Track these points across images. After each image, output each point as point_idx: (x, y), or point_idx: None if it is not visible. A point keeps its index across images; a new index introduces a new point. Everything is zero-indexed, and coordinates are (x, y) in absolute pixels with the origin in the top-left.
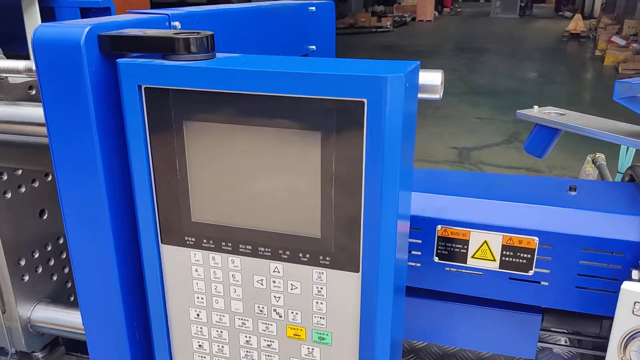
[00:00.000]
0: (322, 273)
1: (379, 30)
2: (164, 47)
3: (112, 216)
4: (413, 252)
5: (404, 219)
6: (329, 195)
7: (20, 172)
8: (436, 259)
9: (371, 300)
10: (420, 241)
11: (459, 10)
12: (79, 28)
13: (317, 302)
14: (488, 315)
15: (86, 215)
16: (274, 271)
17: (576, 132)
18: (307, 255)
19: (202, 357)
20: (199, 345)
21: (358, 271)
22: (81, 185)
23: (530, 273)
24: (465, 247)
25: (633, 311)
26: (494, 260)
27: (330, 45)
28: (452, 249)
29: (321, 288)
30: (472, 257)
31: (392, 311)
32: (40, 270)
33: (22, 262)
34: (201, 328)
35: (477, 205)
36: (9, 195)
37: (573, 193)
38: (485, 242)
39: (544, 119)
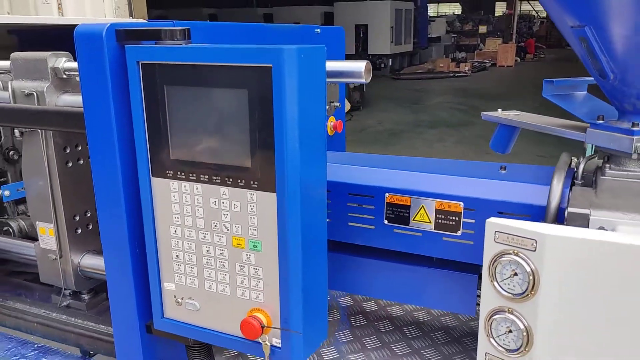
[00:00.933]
0: (253, 194)
1: (456, 75)
2: (155, 36)
3: (121, 158)
4: (367, 217)
5: (309, 153)
6: (254, 136)
7: (80, 147)
8: (386, 222)
9: (283, 214)
10: (373, 207)
11: (542, 56)
12: (103, 25)
13: (250, 217)
14: (432, 274)
15: (104, 158)
16: (222, 194)
17: (530, 128)
18: (243, 181)
19: (178, 265)
20: (176, 256)
21: (274, 192)
22: (102, 139)
23: (459, 233)
24: (407, 211)
25: (494, 239)
26: (430, 222)
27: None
28: (397, 213)
29: (253, 206)
30: (413, 219)
31: (302, 224)
32: (90, 226)
33: (77, 219)
34: (177, 242)
35: (417, 178)
36: (70, 165)
37: (503, 171)
38: (422, 206)
39: (504, 118)
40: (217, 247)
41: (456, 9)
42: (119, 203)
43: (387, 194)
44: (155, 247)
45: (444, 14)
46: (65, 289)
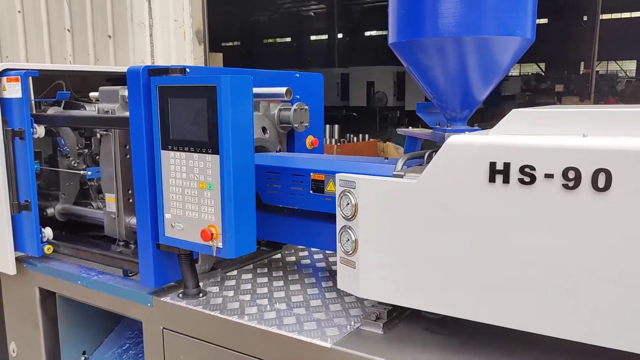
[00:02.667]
0: (208, 156)
1: None
2: (165, 72)
3: (146, 140)
4: (300, 189)
5: (244, 149)
6: (210, 124)
7: (128, 147)
8: (311, 192)
9: (222, 170)
10: (303, 182)
11: None
12: (142, 67)
13: (207, 169)
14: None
15: (137, 139)
16: (194, 158)
17: (422, 137)
18: (204, 149)
19: (172, 202)
20: (171, 197)
21: (218, 154)
22: (136, 128)
23: None
24: (323, 184)
25: (339, 185)
26: (335, 190)
27: (319, 99)
28: (317, 186)
29: (209, 163)
30: (326, 189)
31: (233, 173)
32: None
33: (129, 192)
34: (172, 188)
35: (327, 163)
36: (127, 156)
37: (386, 161)
38: (331, 180)
39: (410, 132)
40: (191, 189)
41: (538, 69)
42: (143, 168)
43: (311, 174)
44: (162, 192)
45: (527, 73)
46: (119, 240)
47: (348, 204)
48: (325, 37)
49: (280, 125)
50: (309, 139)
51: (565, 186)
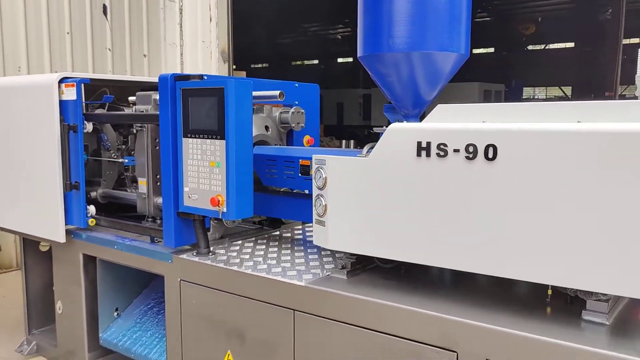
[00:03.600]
0: (217, 142)
1: None
2: (187, 78)
3: (171, 131)
4: (292, 172)
5: (244, 137)
6: (219, 116)
7: (157, 140)
8: (300, 175)
9: (227, 152)
10: (293, 167)
11: None
12: (170, 74)
13: (217, 152)
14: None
15: (165, 130)
16: (207, 143)
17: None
18: (213, 135)
19: (189, 178)
20: (189, 174)
21: (224, 139)
22: (164, 121)
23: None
24: (309, 168)
25: (315, 163)
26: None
27: (315, 105)
28: (304, 170)
29: (217, 147)
30: (311, 172)
31: (236, 155)
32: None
33: (157, 176)
34: (189, 167)
35: (311, 152)
36: (157, 148)
37: (355, 150)
38: (310, 166)
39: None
40: (204, 167)
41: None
42: (169, 153)
43: (300, 160)
44: (182, 171)
45: (552, 96)
46: (148, 216)
47: (320, 177)
48: (350, 59)
49: (281, 125)
50: (306, 138)
51: (467, 157)
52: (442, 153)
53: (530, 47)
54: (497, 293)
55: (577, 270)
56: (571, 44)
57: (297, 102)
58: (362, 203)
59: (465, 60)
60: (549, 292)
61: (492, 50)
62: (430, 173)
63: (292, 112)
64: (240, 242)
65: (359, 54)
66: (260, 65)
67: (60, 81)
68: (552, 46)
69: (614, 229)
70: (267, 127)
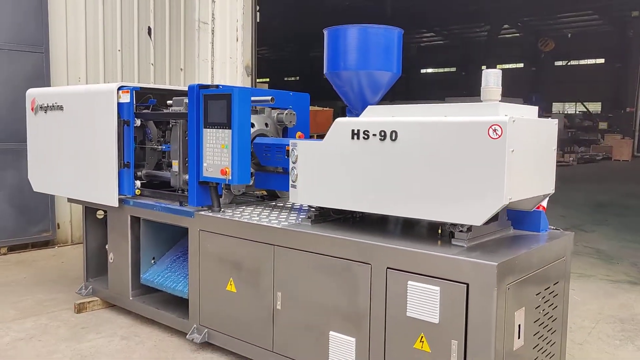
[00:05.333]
0: (226, 131)
1: (557, 164)
2: (207, 87)
3: (196, 124)
4: (280, 155)
5: (244, 127)
6: (227, 113)
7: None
8: (286, 157)
9: (232, 135)
10: (281, 151)
11: None
12: (196, 84)
13: (224, 137)
14: None
15: (192, 123)
16: (218, 131)
17: None
18: (223, 126)
19: (207, 156)
20: (207, 154)
21: (230, 129)
22: (191, 118)
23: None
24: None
25: (294, 148)
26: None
27: (306, 109)
28: (289, 154)
29: (226, 134)
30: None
31: (238, 138)
32: None
33: (185, 159)
34: (207, 148)
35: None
36: (186, 138)
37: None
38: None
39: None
40: (217, 148)
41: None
42: (194, 140)
43: (286, 146)
44: (202, 152)
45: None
46: (178, 189)
47: (294, 155)
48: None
49: (278, 123)
50: (298, 134)
51: (380, 139)
52: (365, 137)
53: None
54: (406, 232)
55: (435, 207)
56: (601, 60)
57: (290, 107)
58: (320, 171)
59: (397, 77)
60: (439, 231)
61: (521, 65)
62: (359, 150)
63: (286, 114)
64: (244, 206)
65: (324, 71)
66: (292, 79)
67: (118, 89)
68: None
69: (446, 183)
70: (266, 124)
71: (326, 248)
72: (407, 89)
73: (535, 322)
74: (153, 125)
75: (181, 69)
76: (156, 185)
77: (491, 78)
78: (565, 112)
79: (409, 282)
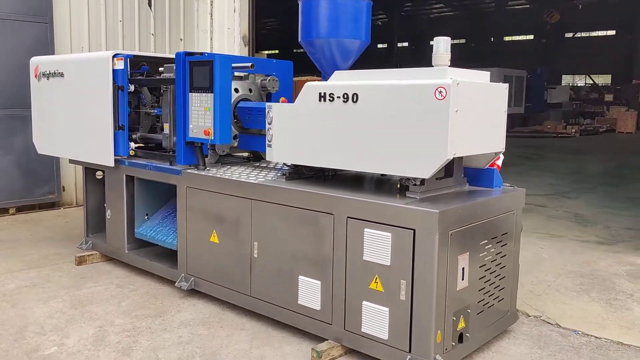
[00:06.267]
0: (208, 94)
1: (559, 135)
2: (192, 54)
3: (182, 89)
4: (260, 117)
5: (225, 91)
6: (210, 78)
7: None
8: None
9: (214, 101)
10: (261, 114)
11: None
12: (183, 52)
13: (207, 100)
14: None
15: (178, 91)
16: (202, 96)
17: None
18: (206, 90)
19: (192, 118)
20: (192, 116)
21: (212, 92)
22: (179, 83)
23: None
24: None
25: (269, 111)
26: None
27: (289, 76)
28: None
29: (208, 97)
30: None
31: (219, 102)
32: None
33: (174, 122)
34: (193, 110)
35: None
36: (175, 102)
37: None
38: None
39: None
40: (201, 111)
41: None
42: (181, 103)
43: (266, 109)
44: (188, 114)
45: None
46: (169, 150)
47: (269, 117)
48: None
49: (261, 89)
50: (281, 99)
51: (344, 101)
52: (331, 99)
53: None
54: (370, 187)
55: (389, 162)
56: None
57: (274, 73)
58: (291, 132)
59: (366, 45)
60: (398, 185)
61: (531, 37)
62: (325, 111)
63: (269, 80)
64: (229, 166)
65: (299, 39)
66: (301, 50)
67: (114, 56)
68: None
69: (367, 139)
70: (250, 90)
71: (295, 201)
72: (415, 59)
73: (482, 267)
74: (147, 90)
75: (181, 39)
76: (151, 147)
77: (441, 45)
78: (575, 84)
79: (365, 229)
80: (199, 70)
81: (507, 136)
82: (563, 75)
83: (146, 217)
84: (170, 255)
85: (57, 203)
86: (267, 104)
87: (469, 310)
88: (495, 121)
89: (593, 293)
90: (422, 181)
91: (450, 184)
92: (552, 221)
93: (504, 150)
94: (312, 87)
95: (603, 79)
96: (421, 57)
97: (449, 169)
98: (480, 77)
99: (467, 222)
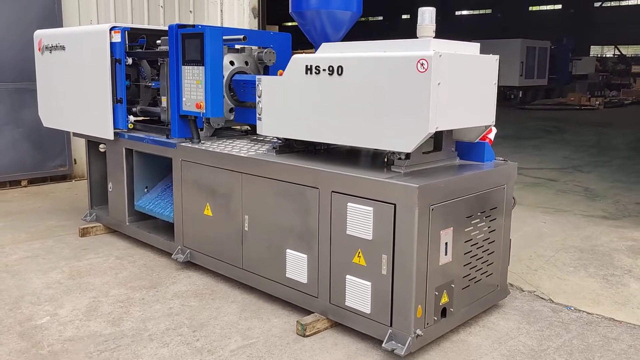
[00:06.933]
0: (199, 67)
1: (582, 108)
2: (185, 27)
3: (175, 62)
4: (254, 90)
5: (216, 64)
6: (202, 51)
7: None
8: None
9: (206, 74)
10: (254, 87)
11: None
12: (176, 24)
13: (199, 75)
14: None
15: (172, 64)
16: (195, 70)
17: None
18: (198, 63)
19: (185, 89)
20: (185, 86)
21: (203, 65)
22: (172, 56)
23: None
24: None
25: (258, 85)
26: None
27: (288, 48)
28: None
29: (200, 71)
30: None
31: (211, 74)
32: None
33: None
34: (185, 80)
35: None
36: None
37: None
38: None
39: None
40: (193, 83)
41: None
42: (175, 76)
43: (256, 82)
44: (182, 87)
45: (616, 54)
46: (167, 123)
47: (259, 90)
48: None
49: (258, 62)
50: (279, 72)
51: (329, 74)
52: (317, 72)
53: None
54: (358, 161)
55: (373, 136)
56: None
57: (272, 46)
58: (280, 105)
59: (358, 17)
60: (385, 159)
61: (559, 7)
62: (311, 84)
63: (265, 52)
64: (225, 139)
65: (290, 10)
66: (373, 19)
67: (111, 29)
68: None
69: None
70: (246, 62)
71: (282, 175)
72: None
73: (467, 242)
74: (147, 64)
75: (190, 11)
76: (153, 120)
77: (426, 15)
78: (604, 55)
79: (349, 204)
80: (191, 42)
81: (527, 109)
82: (591, 46)
83: (145, 190)
84: (169, 228)
85: (68, 176)
86: (257, 76)
87: (453, 285)
88: (484, 94)
89: (590, 268)
90: (408, 155)
91: (439, 158)
92: (560, 195)
93: (493, 123)
94: (299, 60)
95: (633, 50)
96: (447, 29)
97: (437, 143)
98: (468, 48)
99: (450, 197)
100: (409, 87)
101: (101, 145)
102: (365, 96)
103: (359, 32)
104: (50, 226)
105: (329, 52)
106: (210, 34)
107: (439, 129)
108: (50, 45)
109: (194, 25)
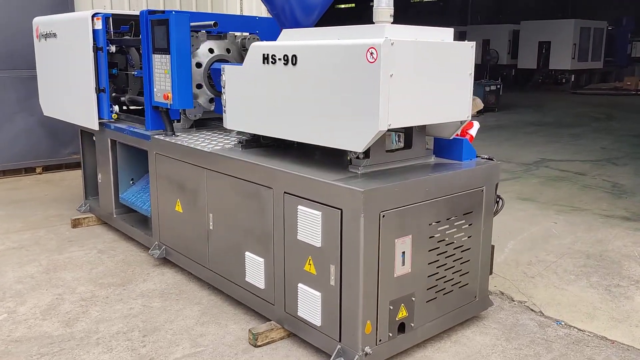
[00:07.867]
0: (166, 55)
1: (639, 93)
2: (154, 13)
3: (148, 52)
4: None
5: (183, 52)
6: (167, 39)
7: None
8: None
9: (172, 63)
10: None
11: None
12: (146, 10)
13: (167, 63)
14: None
15: (144, 53)
16: (163, 58)
17: None
18: (164, 52)
19: (157, 80)
20: (156, 78)
21: (169, 54)
22: (144, 49)
23: None
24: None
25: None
26: None
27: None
28: None
29: (167, 61)
30: None
31: (177, 64)
32: None
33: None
34: (157, 71)
35: None
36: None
37: None
38: None
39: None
40: (162, 73)
41: None
42: (147, 65)
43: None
44: (153, 77)
45: None
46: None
47: (223, 80)
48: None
49: (242, 49)
50: None
51: (284, 63)
52: (273, 61)
53: None
54: (321, 159)
55: (324, 133)
56: None
57: (257, 32)
58: (240, 97)
59: (330, 1)
60: (348, 157)
61: None
62: (268, 75)
63: (249, 39)
64: (205, 131)
65: None
66: (345, 6)
67: (93, 16)
68: None
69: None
70: (228, 50)
71: (239, 172)
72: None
73: (433, 251)
74: (135, 51)
75: None
76: (142, 110)
77: None
78: None
79: (299, 207)
80: (159, 29)
81: (579, 93)
82: None
83: (131, 182)
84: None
85: None
86: (222, 65)
87: (414, 299)
88: (457, 85)
89: (594, 277)
90: (367, 154)
91: (409, 157)
92: (583, 191)
93: (469, 118)
94: (257, 48)
95: None
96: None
97: (407, 140)
98: (436, 34)
99: (408, 202)
100: (359, 79)
101: (95, 136)
102: (319, 89)
103: (332, 19)
104: (48, 215)
105: (286, 40)
106: (176, 20)
107: (392, 127)
108: (45, 33)
109: (162, 11)
